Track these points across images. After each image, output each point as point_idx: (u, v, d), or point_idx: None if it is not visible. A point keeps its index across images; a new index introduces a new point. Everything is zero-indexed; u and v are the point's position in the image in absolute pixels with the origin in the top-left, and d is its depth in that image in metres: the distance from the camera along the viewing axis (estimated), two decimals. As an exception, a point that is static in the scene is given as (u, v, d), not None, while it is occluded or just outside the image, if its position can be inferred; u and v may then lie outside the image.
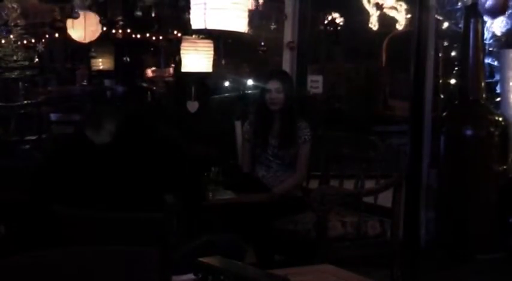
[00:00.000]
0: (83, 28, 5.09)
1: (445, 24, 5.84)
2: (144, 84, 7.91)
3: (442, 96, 5.81)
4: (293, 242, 4.16)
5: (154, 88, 7.87)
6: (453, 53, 6.04)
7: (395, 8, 6.09)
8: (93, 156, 3.12)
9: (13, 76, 6.11)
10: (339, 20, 7.25)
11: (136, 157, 3.24)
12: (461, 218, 5.29)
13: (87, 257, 1.80)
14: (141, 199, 3.08)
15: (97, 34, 5.28)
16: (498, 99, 5.65)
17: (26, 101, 6.12)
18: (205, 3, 3.38)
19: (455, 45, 5.90)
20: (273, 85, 4.43)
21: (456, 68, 5.90)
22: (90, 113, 3.92)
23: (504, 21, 5.58)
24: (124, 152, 3.19)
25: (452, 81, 5.98)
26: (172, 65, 7.52)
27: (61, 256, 1.79)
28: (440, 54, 5.85)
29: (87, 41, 5.22)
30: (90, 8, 5.35)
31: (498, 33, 5.63)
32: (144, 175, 3.11)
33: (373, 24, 6.21)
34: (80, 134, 3.50)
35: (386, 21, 6.24)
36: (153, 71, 8.17)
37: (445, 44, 5.97)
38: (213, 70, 5.13)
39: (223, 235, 3.51)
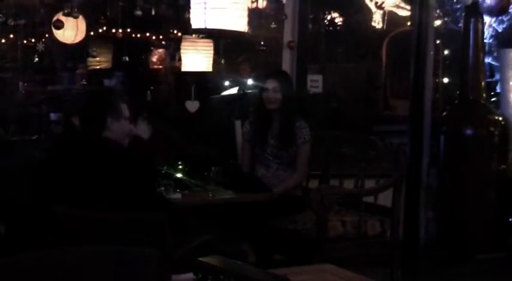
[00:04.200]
0: (75, 29, 5.11)
1: (445, 24, 5.85)
2: (144, 84, 7.91)
3: (438, 95, 5.81)
4: (293, 241, 4.16)
5: (153, 87, 7.87)
6: (451, 53, 6.05)
7: (402, 7, 6.10)
8: (87, 155, 3.11)
9: (13, 76, 6.11)
10: (339, 19, 7.25)
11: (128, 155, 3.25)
12: (461, 218, 5.29)
13: (87, 257, 1.80)
14: (135, 197, 3.08)
15: (84, 35, 5.30)
16: (496, 99, 5.65)
17: (26, 101, 6.12)
18: (205, 3, 3.38)
19: (445, 43, 5.90)
20: (270, 84, 4.44)
21: (449, 68, 5.91)
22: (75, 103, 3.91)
23: (503, 21, 5.59)
24: (116, 150, 3.19)
25: (452, 80, 5.99)
26: (172, 65, 7.51)
27: (61, 256, 1.79)
28: (439, 54, 5.86)
29: (76, 41, 5.24)
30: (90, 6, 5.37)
31: (497, 32, 5.63)
32: (135, 172, 3.10)
33: (377, 22, 6.22)
34: (72, 130, 3.50)
35: (393, 20, 6.25)
36: (153, 71, 8.17)
37: (444, 43, 5.97)
38: (213, 70, 5.13)
39: (224, 236, 3.50)
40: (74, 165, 3.06)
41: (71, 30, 5.10)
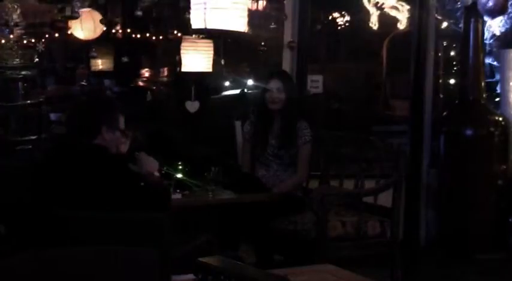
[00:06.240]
0: (93, 26, 5.23)
1: (445, 24, 5.84)
2: (144, 84, 7.92)
3: (441, 96, 5.81)
4: (293, 242, 4.16)
5: (154, 88, 7.86)
6: (452, 53, 6.04)
7: (396, 8, 6.09)
8: (75, 160, 3.11)
9: (13, 76, 6.10)
10: (339, 19, 7.25)
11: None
12: (461, 218, 5.29)
13: (87, 257, 1.80)
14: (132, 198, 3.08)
15: (101, 31, 5.50)
16: (498, 99, 5.65)
17: (26, 101, 6.12)
18: (205, 3, 3.38)
19: (454, 45, 5.91)
20: (274, 84, 4.43)
21: (455, 68, 5.90)
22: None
23: (503, 21, 5.58)
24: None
25: (452, 81, 5.99)
26: (173, 65, 7.51)
27: (61, 256, 1.79)
28: (440, 54, 5.85)
29: (94, 37, 5.39)
30: (90, 7, 5.44)
31: (497, 32, 5.63)
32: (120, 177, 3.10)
33: (374, 23, 6.21)
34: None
35: (387, 21, 6.24)
36: (152, 71, 8.16)
37: (445, 43, 5.97)
38: (213, 70, 5.13)
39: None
40: (63, 168, 3.06)
41: (90, 29, 5.30)
